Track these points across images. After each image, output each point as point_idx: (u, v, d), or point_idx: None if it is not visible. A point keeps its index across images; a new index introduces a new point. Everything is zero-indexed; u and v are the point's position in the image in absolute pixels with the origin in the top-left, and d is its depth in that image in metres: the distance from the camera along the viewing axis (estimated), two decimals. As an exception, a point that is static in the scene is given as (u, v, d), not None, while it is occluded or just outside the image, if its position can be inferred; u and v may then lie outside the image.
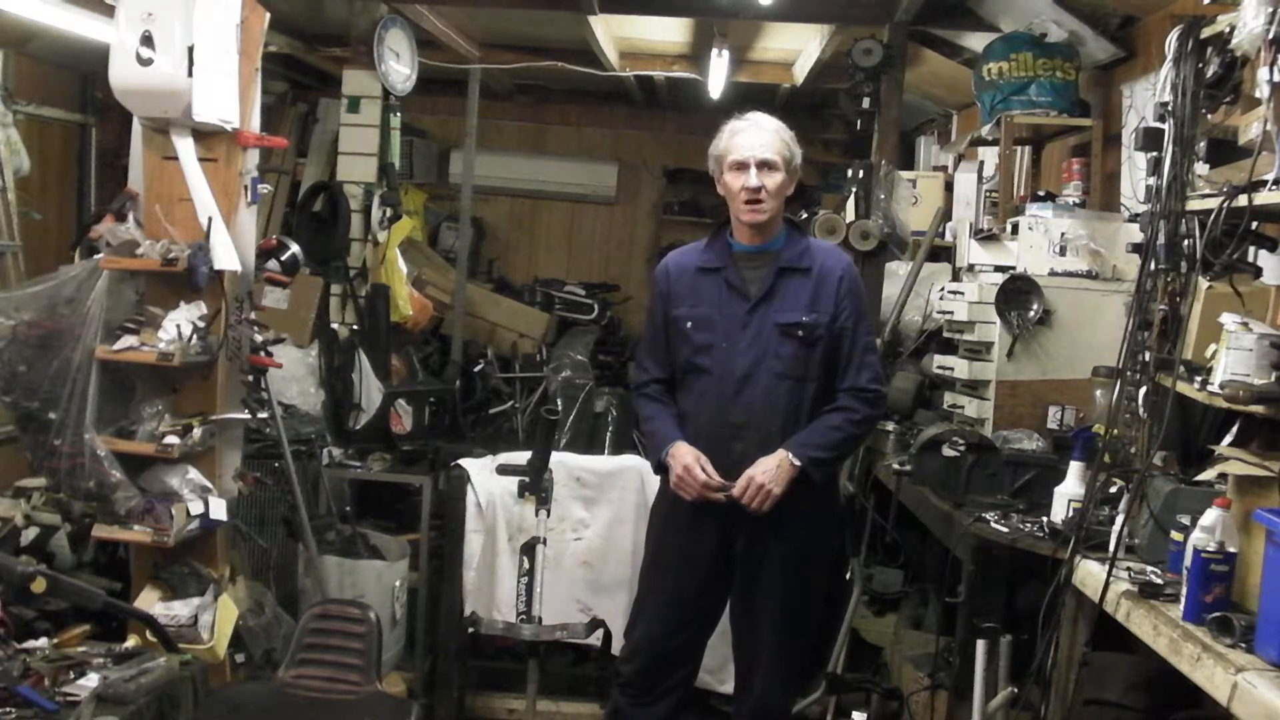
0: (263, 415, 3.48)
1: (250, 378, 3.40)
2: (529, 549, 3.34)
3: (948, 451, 3.43)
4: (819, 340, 2.95)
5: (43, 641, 2.85)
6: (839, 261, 3.05)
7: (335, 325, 4.83)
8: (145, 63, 3.01)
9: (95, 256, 3.17)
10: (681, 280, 3.06)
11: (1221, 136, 2.62)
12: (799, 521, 2.96)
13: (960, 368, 3.81)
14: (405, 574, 4.03)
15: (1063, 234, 3.70)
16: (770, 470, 2.87)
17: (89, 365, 3.10)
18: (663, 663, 3.08)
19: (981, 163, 5.13)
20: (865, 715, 3.57)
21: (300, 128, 7.00)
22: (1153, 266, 2.75)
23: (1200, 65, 2.66)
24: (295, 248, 3.63)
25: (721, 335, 2.97)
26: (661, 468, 3.02)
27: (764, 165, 2.91)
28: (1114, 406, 2.89)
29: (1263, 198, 2.33)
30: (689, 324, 3.00)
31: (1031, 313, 3.59)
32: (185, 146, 3.12)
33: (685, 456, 2.92)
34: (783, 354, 2.94)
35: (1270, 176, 2.30)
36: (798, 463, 2.88)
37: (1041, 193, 4.30)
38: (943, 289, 4.14)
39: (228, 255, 3.15)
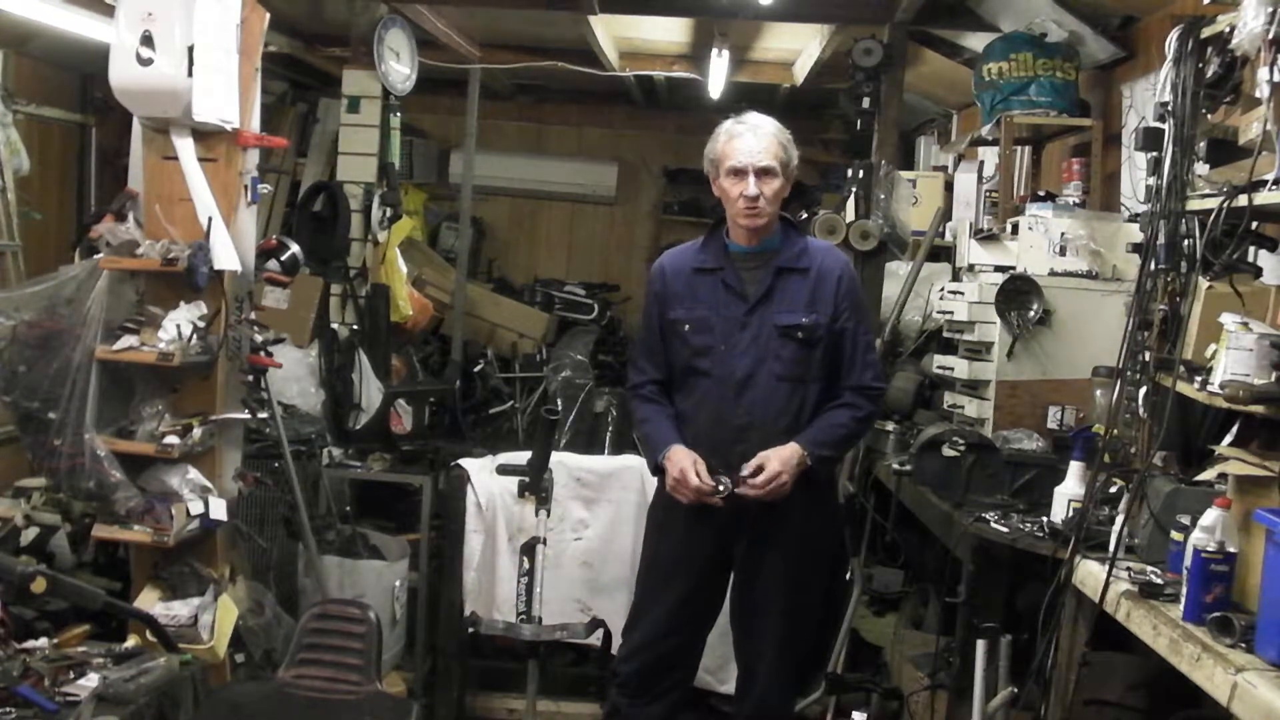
0: (263, 415, 3.48)
1: (250, 378, 3.40)
2: (529, 549, 3.34)
3: (948, 451, 3.43)
4: (819, 341, 2.95)
5: (43, 641, 2.85)
6: (837, 261, 3.04)
7: (335, 325, 4.83)
8: (145, 63, 3.01)
9: (95, 256, 3.17)
10: (677, 281, 3.04)
11: (1221, 136, 2.62)
12: (797, 523, 2.95)
13: (960, 368, 3.81)
14: (405, 574, 4.03)
15: (1063, 234, 3.69)
16: (790, 461, 2.85)
17: (89, 365, 3.10)
18: (661, 663, 3.07)
19: (981, 163, 5.13)
20: (865, 715, 3.57)
21: (300, 128, 6.99)
22: (1153, 266, 2.75)
23: (1200, 65, 2.66)
24: (295, 248, 3.63)
25: (720, 337, 2.96)
26: (659, 470, 3.01)
27: (762, 172, 2.88)
28: (1114, 406, 2.89)
29: (1263, 198, 2.33)
30: (686, 326, 2.99)
31: (1031, 313, 3.59)
32: (185, 146, 3.12)
33: (681, 460, 2.90)
34: (783, 356, 2.93)
35: (1270, 176, 2.30)
36: (809, 460, 2.88)
37: (1041, 193, 4.30)
38: (943, 289, 4.14)
39: (228, 255, 3.15)
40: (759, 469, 2.84)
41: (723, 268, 3.00)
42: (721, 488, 2.87)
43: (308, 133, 6.96)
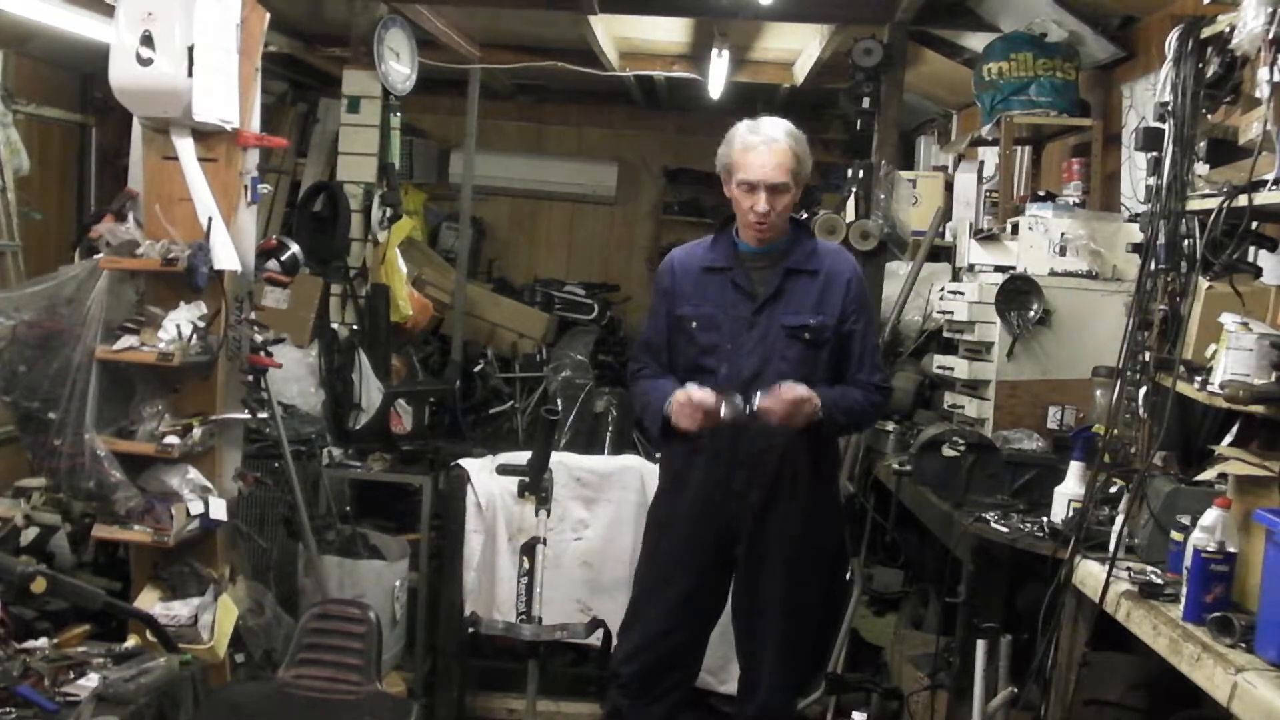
0: (263, 415, 3.48)
1: (250, 378, 3.40)
2: (529, 549, 3.34)
3: (948, 451, 3.43)
4: (826, 343, 2.95)
5: (43, 641, 2.85)
6: (846, 264, 3.05)
7: (335, 325, 4.83)
8: (145, 63, 3.00)
9: (95, 256, 3.17)
10: (686, 279, 3.04)
11: (1221, 136, 2.62)
12: (799, 521, 2.96)
13: (960, 368, 3.81)
14: (405, 574, 4.03)
15: (1063, 234, 3.70)
16: (812, 399, 2.81)
17: (89, 365, 3.10)
18: (662, 663, 3.07)
19: (981, 163, 5.13)
20: (865, 715, 3.57)
21: (300, 128, 6.99)
22: (1153, 266, 2.75)
23: (1200, 65, 2.66)
24: (295, 248, 3.63)
25: (727, 336, 2.96)
26: (665, 429, 2.92)
27: (773, 189, 2.87)
28: (1114, 406, 2.89)
29: (1263, 198, 2.33)
30: (694, 324, 2.99)
31: (1031, 313, 3.59)
32: (185, 146, 3.12)
33: (688, 389, 2.84)
34: (789, 356, 2.93)
35: (1270, 176, 2.30)
36: (820, 413, 2.84)
37: (1041, 193, 4.30)
38: (943, 289, 4.14)
39: (228, 255, 3.15)
40: (782, 390, 2.78)
41: (731, 267, 2.99)
42: (736, 406, 2.78)
43: (308, 133, 6.96)
